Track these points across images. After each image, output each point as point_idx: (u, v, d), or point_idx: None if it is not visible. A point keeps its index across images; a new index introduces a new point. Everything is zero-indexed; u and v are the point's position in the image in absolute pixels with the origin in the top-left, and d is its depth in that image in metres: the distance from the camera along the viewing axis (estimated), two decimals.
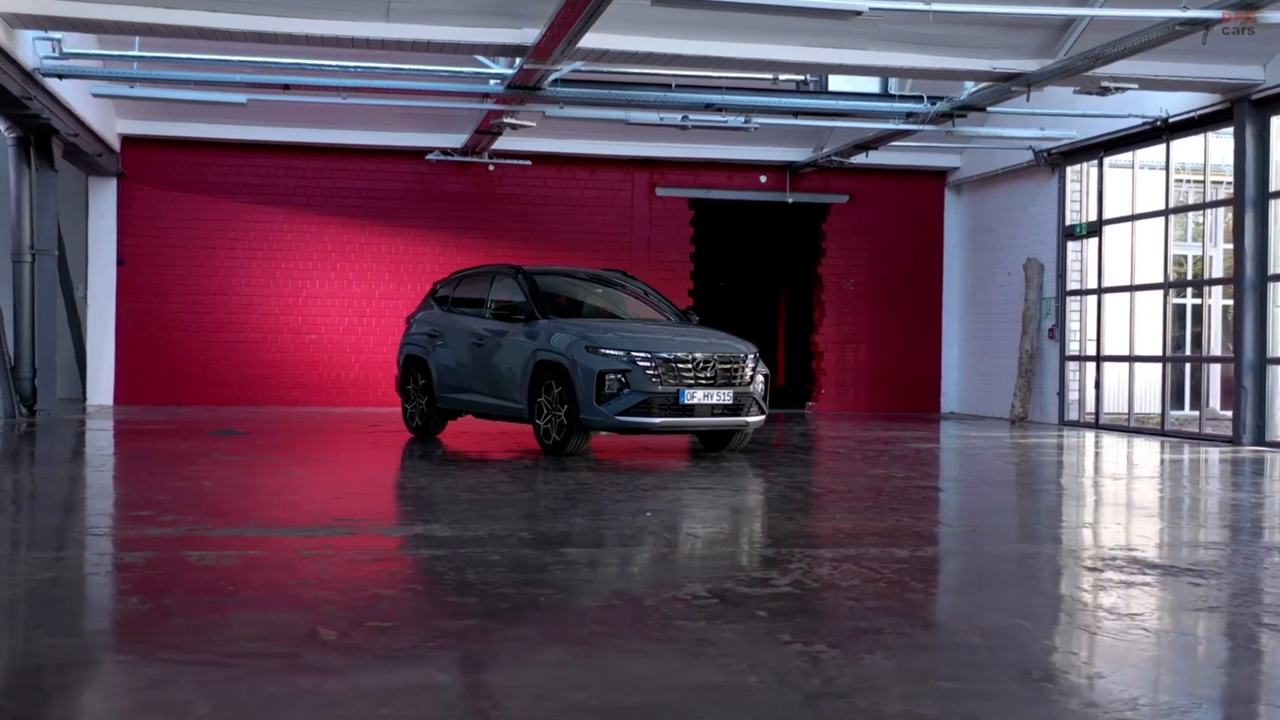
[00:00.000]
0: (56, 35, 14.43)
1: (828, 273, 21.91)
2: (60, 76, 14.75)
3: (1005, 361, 20.41)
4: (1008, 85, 14.91)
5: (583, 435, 12.30)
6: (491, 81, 15.49)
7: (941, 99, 16.44)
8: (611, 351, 12.08)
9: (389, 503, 9.11)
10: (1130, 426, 17.73)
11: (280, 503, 8.71)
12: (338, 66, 15.14)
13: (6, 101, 14.55)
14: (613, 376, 11.99)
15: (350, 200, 20.48)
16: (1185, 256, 21.18)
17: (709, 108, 16.29)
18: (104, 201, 19.86)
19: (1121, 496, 10.24)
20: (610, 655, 4.58)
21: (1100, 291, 18.54)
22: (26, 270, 16.35)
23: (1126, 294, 17.91)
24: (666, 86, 16.26)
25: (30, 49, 14.33)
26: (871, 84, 17.29)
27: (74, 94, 16.02)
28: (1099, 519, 8.77)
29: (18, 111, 14.99)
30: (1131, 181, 18.04)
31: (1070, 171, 19.10)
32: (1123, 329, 17.93)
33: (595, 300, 14.28)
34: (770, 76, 16.58)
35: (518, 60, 14.38)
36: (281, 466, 11.28)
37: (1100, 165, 18.47)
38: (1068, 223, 19.11)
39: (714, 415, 12.40)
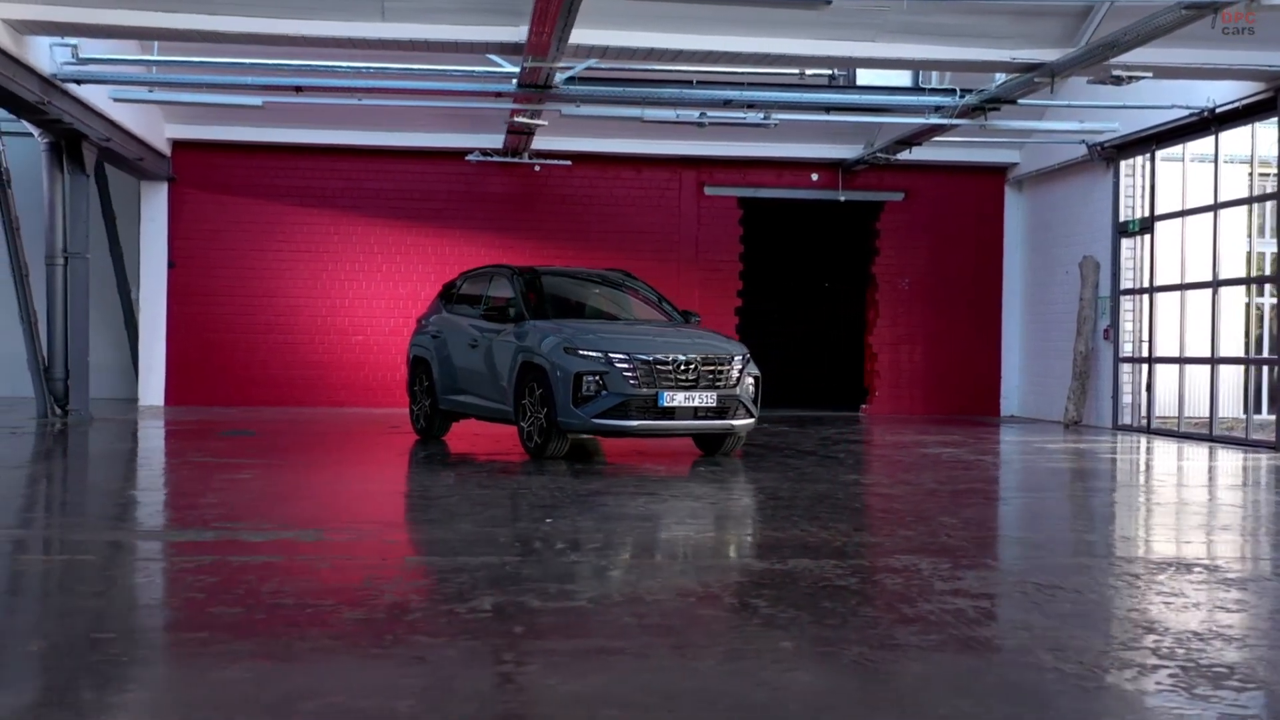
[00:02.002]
0: (73, 41, 14.67)
1: (882, 272, 21.38)
2: (78, 82, 14.95)
3: (1064, 363, 19.68)
4: (1030, 76, 14.34)
5: (562, 438, 12.06)
6: (514, 81, 15.33)
7: (971, 91, 15.89)
8: (589, 353, 11.84)
9: (299, 506, 8.91)
10: (1180, 432, 16.96)
11: (192, 504, 8.64)
12: (349, 68, 15.16)
13: (23, 108, 14.83)
14: (590, 378, 11.74)
15: (396, 202, 20.54)
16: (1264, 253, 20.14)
17: (728, 104, 15.94)
18: (155, 205, 20.18)
19: (1068, 511, 9.73)
20: (294, 671, 4.37)
21: (1152, 290, 17.78)
22: (60, 273, 16.64)
23: (1179, 293, 17.15)
24: (688, 83, 15.98)
25: (47, 55, 14.56)
26: (903, 78, 16.81)
27: (106, 99, 16.24)
28: (1013, 540, 8.32)
29: (40, 117, 15.24)
30: (1182, 175, 17.25)
31: (1124, 166, 18.34)
32: (1180, 329, 17.14)
33: (593, 301, 14.04)
34: (797, 71, 16.23)
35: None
36: (244, 469, 11.23)
37: (1152, 159, 17.71)
38: (1121, 219, 18.36)
39: (697, 418, 12.08)
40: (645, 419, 11.83)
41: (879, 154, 19.46)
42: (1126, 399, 18.31)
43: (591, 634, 4.98)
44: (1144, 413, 17.89)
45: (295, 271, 20.38)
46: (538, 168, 20.26)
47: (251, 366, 20.28)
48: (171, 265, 20.15)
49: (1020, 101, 16.27)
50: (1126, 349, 18.32)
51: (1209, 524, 8.71)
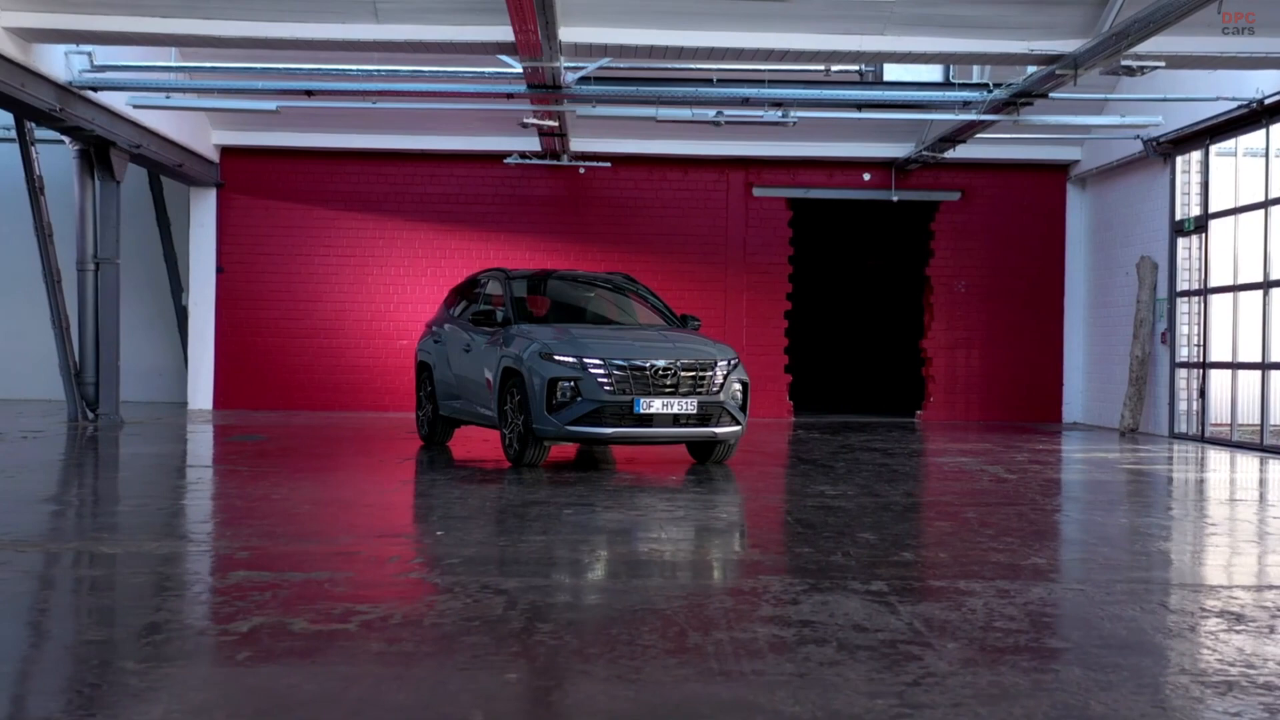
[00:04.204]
0: (88, 48, 14.79)
1: (937, 274, 20.68)
2: (94, 89, 15.07)
3: (1125, 368, 18.83)
4: (1053, 68, 13.68)
5: (539, 446, 11.75)
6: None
7: (1000, 86, 15.24)
8: (565, 358, 11.52)
9: (201, 514, 8.72)
10: (1233, 441, 16.08)
11: (96, 512, 8.53)
12: (360, 71, 15.07)
13: (39, 116, 15.00)
14: (565, 384, 11.43)
15: (441, 205, 20.45)
16: None
17: (746, 102, 15.51)
18: (204, 211, 20.36)
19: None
20: None
21: (1205, 292, 16.89)
22: (90, 279, 16.84)
23: (1231, 294, 16.29)
24: (707, 82, 15.60)
25: (63, 63, 14.70)
26: (934, 73, 16.20)
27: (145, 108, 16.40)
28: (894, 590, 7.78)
29: (59, 125, 15.40)
30: (1234, 170, 16.37)
31: (1180, 161, 17.46)
32: (1233, 333, 16.27)
33: (587, 304, 13.72)
34: (822, 68, 15.77)
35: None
36: (204, 474, 11.16)
37: (1205, 153, 16.82)
38: (1177, 217, 17.50)
39: (677, 426, 11.69)
40: (621, 426, 11.48)
41: (925, 152, 18.83)
42: (1183, 406, 17.43)
43: (314, 662, 4.67)
44: (1211, 419, 17.00)
45: (341, 276, 20.40)
46: (582, 170, 20.02)
47: (298, 370, 20.36)
48: (220, 270, 20.31)
49: (1075, 96, 15.78)
50: (1183, 353, 17.44)
51: (1139, 549, 8.11)
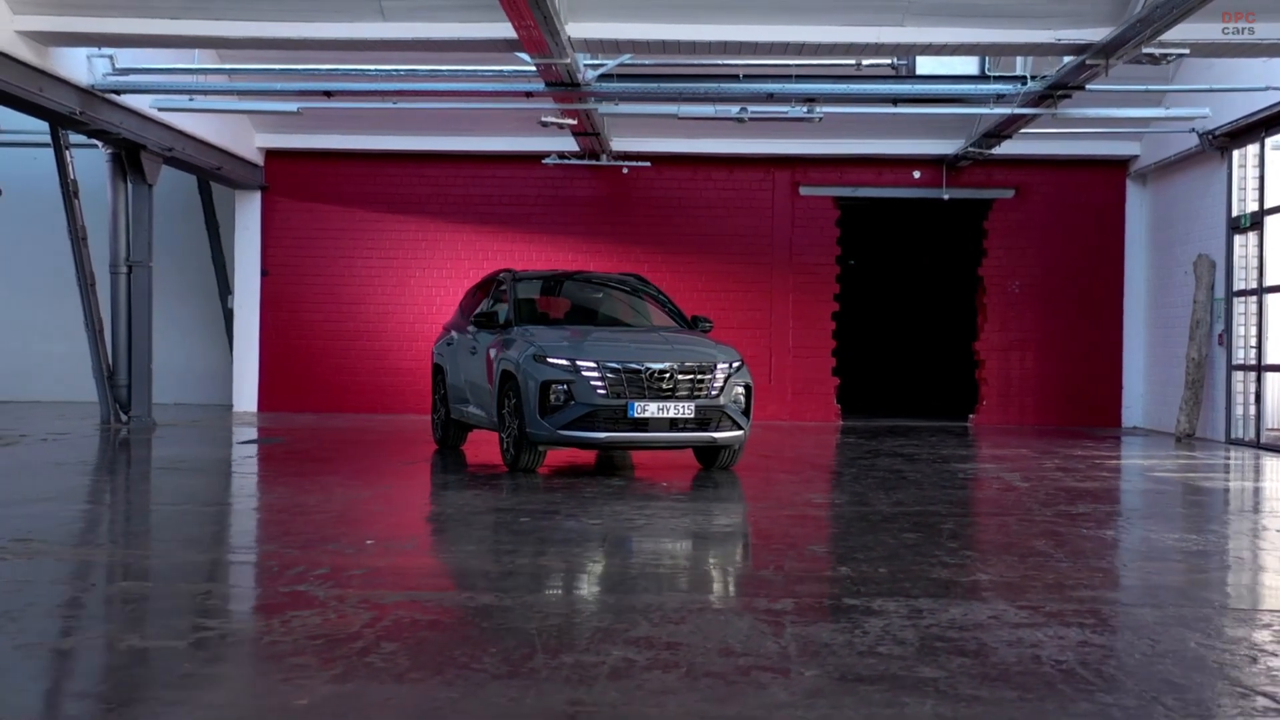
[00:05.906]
0: (109, 51, 14.82)
1: (990, 275, 20.04)
2: (117, 92, 15.09)
3: (1183, 370, 18.08)
4: (1082, 58, 13.11)
5: (533, 450, 11.48)
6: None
7: (1036, 78, 14.67)
8: (558, 361, 11.23)
9: (144, 519, 8.56)
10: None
11: (36, 513, 8.43)
12: (378, 71, 14.93)
13: (63, 120, 15.05)
14: (558, 387, 11.13)
15: (482, 207, 20.27)
16: None
17: (771, 98, 15.10)
18: (249, 214, 20.39)
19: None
20: None
21: (1261, 291, 16.12)
22: (123, 281, 16.89)
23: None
24: (734, 78, 15.22)
25: (85, 67, 14.73)
26: (970, 66, 15.63)
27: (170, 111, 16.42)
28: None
29: (84, 129, 15.43)
30: None
31: (1236, 155, 16.70)
32: None
33: (592, 306, 13.43)
34: (853, 62, 15.29)
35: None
36: (183, 478, 11.04)
37: (1261, 146, 16.06)
38: (1234, 213, 16.74)
39: (674, 430, 11.32)
40: (614, 431, 11.15)
41: (973, 148, 18.24)
42: (1240, 410, 16.66)
43: (107, 683, 4.42)
44: (1268, 424, 16.23)
45: (384, 278, 20.32)
46: (625, 170, 19.73)
47: (342, 373, 20.30)
48: (265, 273, 20.32)
49: (1126, 88, 15.29)
50: (1240, 355, 16.67)
51: (1103, 567, 7.59)
